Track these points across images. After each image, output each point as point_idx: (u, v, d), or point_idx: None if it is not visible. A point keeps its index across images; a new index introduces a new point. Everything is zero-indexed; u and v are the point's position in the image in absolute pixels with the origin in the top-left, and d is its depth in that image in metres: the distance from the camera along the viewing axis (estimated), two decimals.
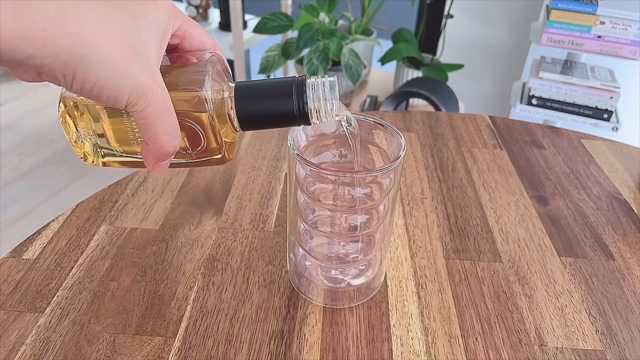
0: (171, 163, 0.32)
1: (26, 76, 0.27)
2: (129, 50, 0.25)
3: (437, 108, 1.32)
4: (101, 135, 0.32)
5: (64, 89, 0.31)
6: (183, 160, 0.33)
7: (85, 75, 0.24)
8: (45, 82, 0.27)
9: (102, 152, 0.33)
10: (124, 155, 0.33)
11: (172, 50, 0.33)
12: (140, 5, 0.27)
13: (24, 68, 0.26)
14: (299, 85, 0.31)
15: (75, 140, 0.33)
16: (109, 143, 0.32)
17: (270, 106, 0.31)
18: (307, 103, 0.31)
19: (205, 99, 0.29)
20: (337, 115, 0.32)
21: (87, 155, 0.33)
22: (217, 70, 0.31)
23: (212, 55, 0.32)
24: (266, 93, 0.31)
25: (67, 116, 0.32)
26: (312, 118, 0.31)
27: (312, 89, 0.31)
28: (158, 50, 0.28)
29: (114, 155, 0.33)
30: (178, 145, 0.29)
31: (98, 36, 0.24)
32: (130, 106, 0.26)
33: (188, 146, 0.31)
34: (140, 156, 0.31)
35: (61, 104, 0.31)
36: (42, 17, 0.22)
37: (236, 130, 0.32)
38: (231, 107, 0.31)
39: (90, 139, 0.32)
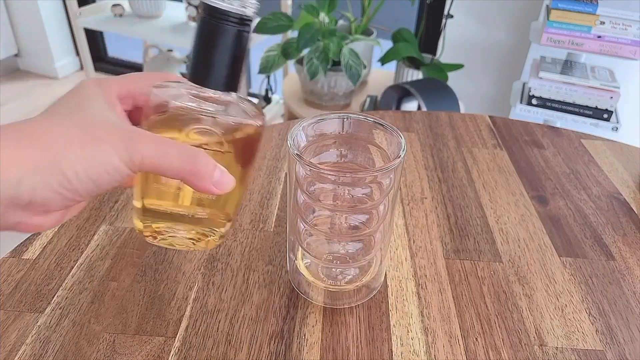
0: (240, 181, 0.32)
1: (39, 219, 0.27)
2: (88, 130, 0.26)
3: (418, 105, 1.32)
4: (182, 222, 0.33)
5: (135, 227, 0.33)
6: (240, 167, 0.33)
7: (73, 170, 0.25)
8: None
9: (205, 231, 0.34)
10: (210, 213, 0.33)
11: (139, 115, 0.31)
12: (72, 98, 0.28)
13: (32, 209, 0.26)
14: (210, 11, 0.28)
15: (179, 244, 0.33)
16: (198, 221, 0.33)
17: (222, 54, 0.29)
18: (229, 13, 0.28)
19: (215, 126, 0.30)
20: None
21: (199, 241, 0.34)
22: (190, 97, 0.30)
23: (169, 87, 0.31)
24: (210, 52, 0.29)
25: (154, 237, 0.33)
26: (246, 14, 0.29)
27: None
28: (115, 116, 0.28)
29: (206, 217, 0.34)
30: (199, 156, 0.28)
31: (56, 134, 0.26)
32: (133, 166, 0.27)
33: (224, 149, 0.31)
34: (216, 205, 0.33)
35: (142, 234, 0.33)
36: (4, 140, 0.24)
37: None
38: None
39: (186, 233, 0.33)
